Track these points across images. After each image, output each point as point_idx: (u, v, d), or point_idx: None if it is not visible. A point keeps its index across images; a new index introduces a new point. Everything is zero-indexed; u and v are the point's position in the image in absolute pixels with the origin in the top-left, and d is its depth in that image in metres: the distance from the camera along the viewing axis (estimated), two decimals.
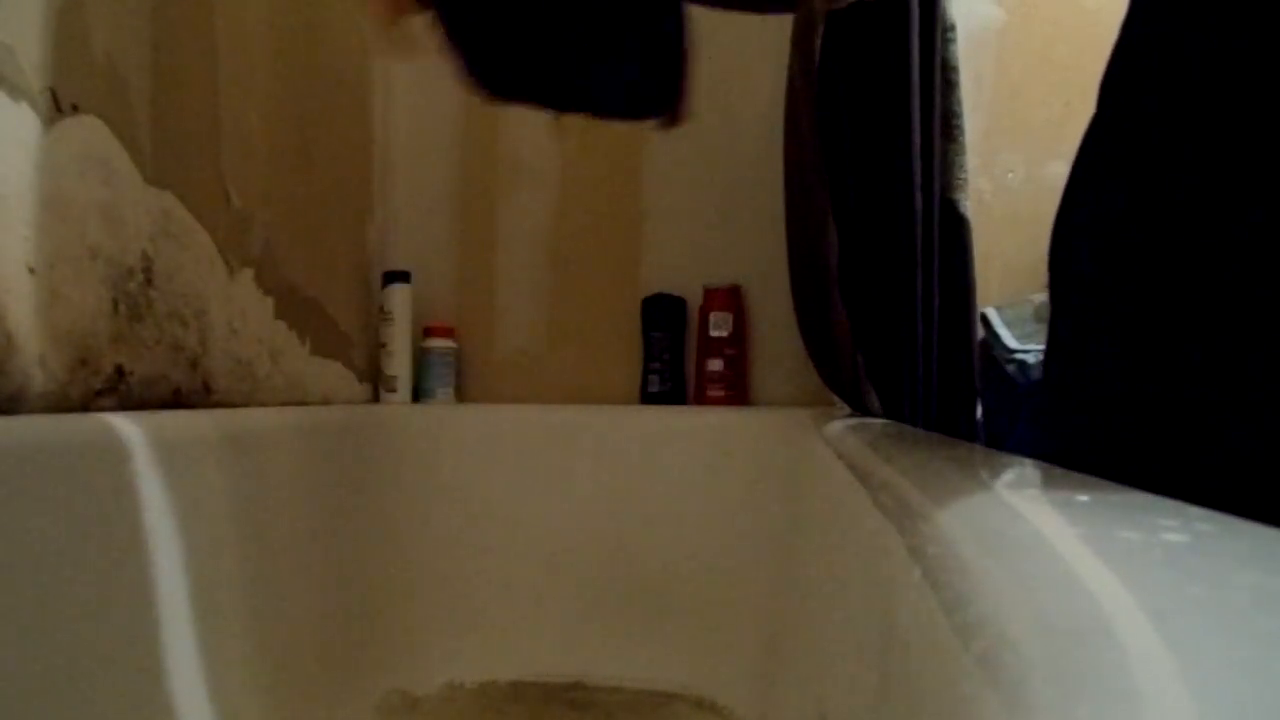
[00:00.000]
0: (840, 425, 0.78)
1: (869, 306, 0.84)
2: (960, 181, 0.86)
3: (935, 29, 0.82)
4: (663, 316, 1.32)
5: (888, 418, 0.86)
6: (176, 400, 0.83)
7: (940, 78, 0.83)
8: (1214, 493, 0.25)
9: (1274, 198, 0.33)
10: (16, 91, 0.64)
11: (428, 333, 1.33)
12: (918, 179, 0.79)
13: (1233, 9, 0.36)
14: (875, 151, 0.81)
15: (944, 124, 0.83)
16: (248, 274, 0.97)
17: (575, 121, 1.38)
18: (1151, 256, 0.39)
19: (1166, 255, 0.38)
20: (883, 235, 0.81)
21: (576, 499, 1.18)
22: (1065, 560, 0.19)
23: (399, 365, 1.28)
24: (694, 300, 1.32)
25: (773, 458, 1.11)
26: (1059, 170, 0.47)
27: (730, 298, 1.30)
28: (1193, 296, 0.37)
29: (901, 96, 0.78)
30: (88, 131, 0.71)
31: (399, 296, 1.29)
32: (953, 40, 0.86)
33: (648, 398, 1.31)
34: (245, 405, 0.96)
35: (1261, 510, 0.22)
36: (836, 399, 1.12)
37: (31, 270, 0.65)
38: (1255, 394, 0.34)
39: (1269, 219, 0.34)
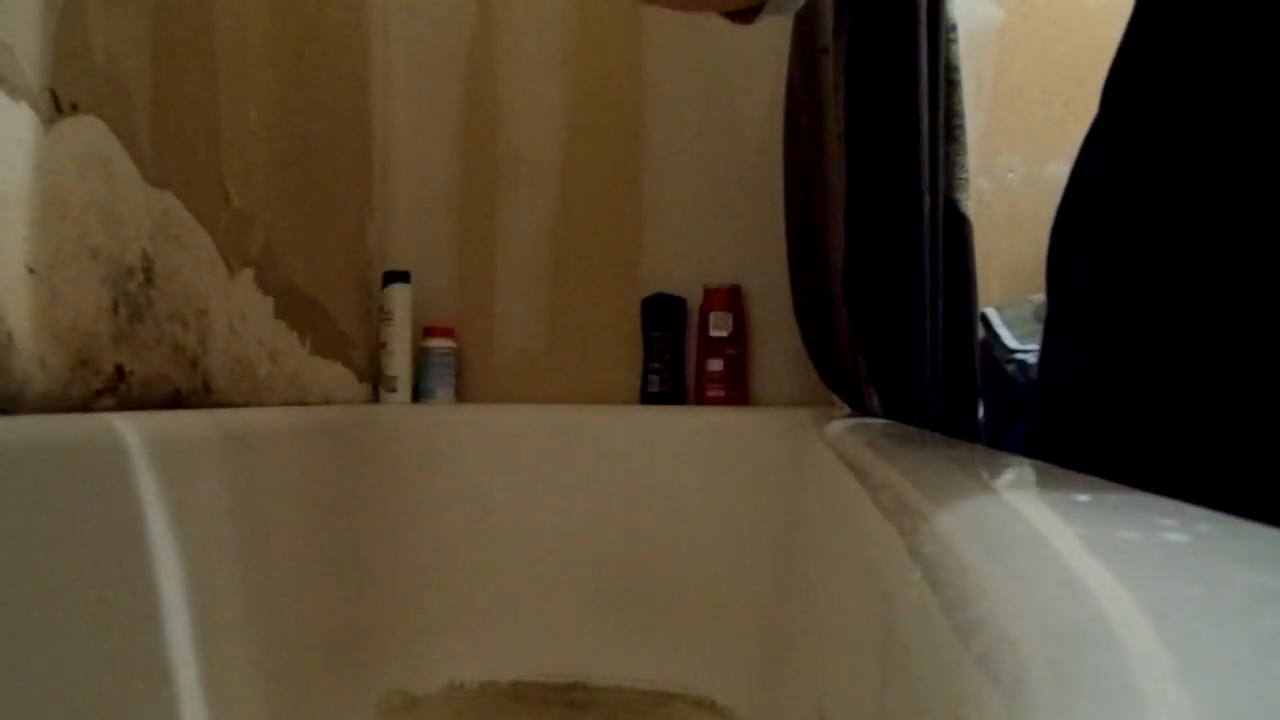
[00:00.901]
0: (840, 425, 0.78)
1: (877, 307, 0.84)
2: (962, 181, 0.86)
3: (940, 30, 0.82)
4: (663, 316, 1.32)
5: (892, 418, 0.86)
6: (176, 400, 0.83)
7: (943, 78, 0.83)
8: (1215, 495, 0.25)
9: (1276, 203, 0.33)
10: (16, 91, 0.64)
11: (428, 333, 1.33)
12: (926, 180, 0.79)
13: (1239, 12, 0.36)
14: (884, 153, 0.81)
15: (946, 124, 0.83)
16: (248, 274, 0.97)
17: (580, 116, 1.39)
18: (1153, 263, 0.39)
19: (1169, 262, 0.38)
20: (892, 236, 0.81)
21: (576, 499, 1.19)
22: (1065, 560, 0.19)
23: (399, 365, 1.28)
24: (694, 300, 1.32)
25: (773, 458, 1.11)
26: (1059, 170, 0.47)
27: (730, 298, 1.30)
28: (1197, 303, 0.36)
29: (910, 98, 0.78)
30: (88, 131, 0.71)
31: (399, 296, 1.29)
32: (954, 40, 0.86)
33: (648, 398, 1.31)
34: (245, 405, 0.96)
35: (1262, 510, 0.22)
36: (836, 399, 1.12)
37: (31, 270, 0.65)
38: (1259, 399, 0.34)
39: (1271, 224, 0.34)
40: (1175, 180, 0.38)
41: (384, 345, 1.29)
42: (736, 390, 1.29)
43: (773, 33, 1.27)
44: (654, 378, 1.31)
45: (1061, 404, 0.46)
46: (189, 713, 0.66)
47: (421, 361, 1.32)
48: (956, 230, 0.84)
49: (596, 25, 1.39)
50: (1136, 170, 0.41)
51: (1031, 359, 1.04)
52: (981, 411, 0.89)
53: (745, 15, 0.59)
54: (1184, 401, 0.37)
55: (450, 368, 1.33)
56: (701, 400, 1.29)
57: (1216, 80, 0.37)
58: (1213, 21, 0.37)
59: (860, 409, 0.98)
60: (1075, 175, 0.46)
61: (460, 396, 1.36)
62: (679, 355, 1.32)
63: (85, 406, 0.70)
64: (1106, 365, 0.42)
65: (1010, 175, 1.26)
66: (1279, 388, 0.33)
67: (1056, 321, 0.48)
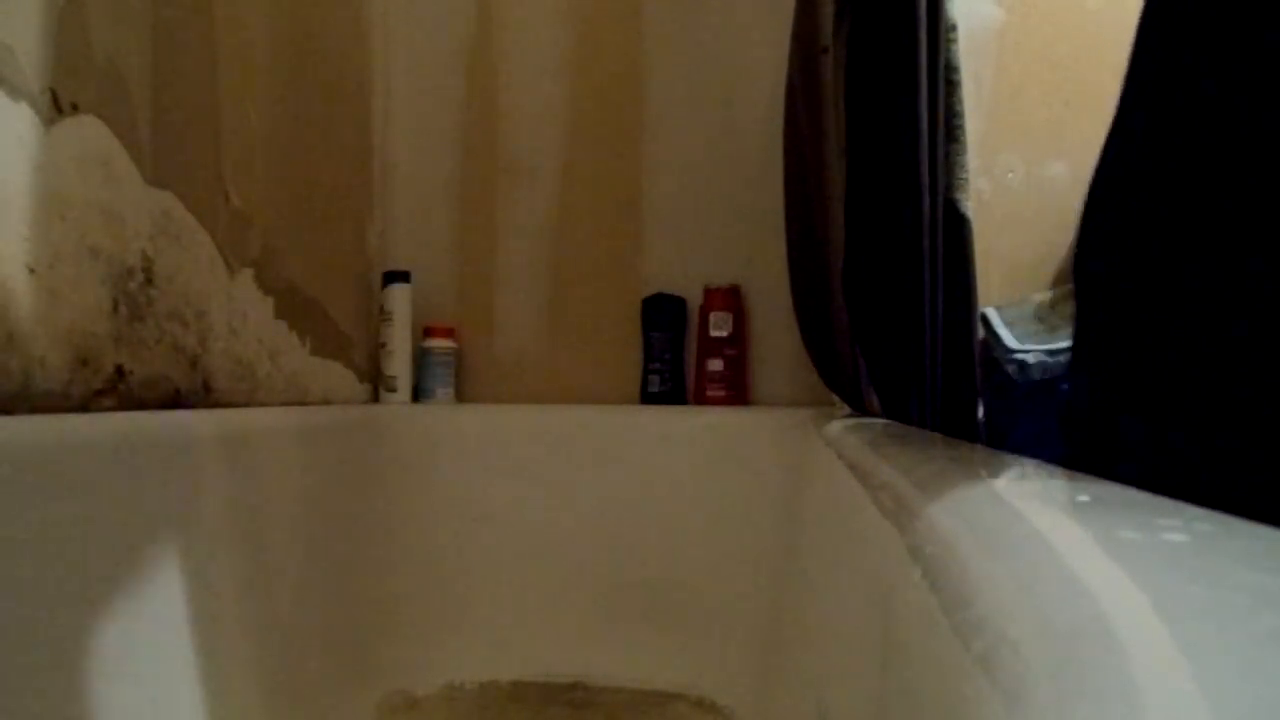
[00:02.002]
0: (840, 425, 0.78)
1: (876, 307, 0.84)
2: (961, 181, 0.86)
3: (940, 30, 0.82)
4: (663, 316, 1.32)
5: (892, 418, 0.86)
6: (176, 400, 0.83)
7: (943, 78, 0.83)
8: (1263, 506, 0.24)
9: None
10: (16, 91, 0.64)
11: (428, 333, 1.33)
12: (925, 180, 0.79)
13: (1249, 10, 0.36)
14: (884, 153, 0.81)
15: (946, 124, 0.83)
16: (248, 274, 0.97)
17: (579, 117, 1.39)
18: (1180, 270, 0.38)
19: (1196, 269, 0.38)
20: (892, 236, 0.81)
21: (576, 499, 1.18)
22: (1065, 560, 0.19)
23: (399, 365, 1.28)
24: (694, 300, 1.32)
25: (773, 458, 1.11)
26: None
27: (730, 298, 1.30)
28: (1225, 312, 0.36)
29: (910, 98, 0.78)
30: (88, 131, 0.71)
31: (399, 296, 1.29)
32: (954, 40, 0.86)
33: (648, 398, 1.31)
34: (245, 405, 0.96)
35: (1261, 510, 0.22)
36: (836, 399, 1.12)
37: (31, 270, 0.65)
38: None
39: None
40: (1195, 178, 0.38)
41: (384, 345, 1.29)
42: (736, 390, 1.29)
43: (773, 33, 1.27)
44: (654, 378, 1.31)
45: (1088, 413, 0.46)
46: (189, 712, 0.66)
47: (421, 361, 1.32)
48: (956, 230, 0.84)
49: (596, 25, 1.39)
50: (1161, 177, 0.40)
51: (1031, 359, 1.04)
52: (981, 411, 0.89)
53: None
54: (1220, 411, 0.36)
55: (450, 368, 1.33)
56: (701, 400, 1.29)
57: (1232, 75, 0.36)
58: (1225, 18, 0.37)
59: (860, 409, 0.98)
60: (1097, 181, 0.46)
61: (460, 396, 1.35)
62: (679, 355, 1.32)
63: (85, 406, 0.70)
64: (1136, 373, 0.41)
65: (1010, 175, 1.26)
66: None
67: (1085, 329, 0.47)
